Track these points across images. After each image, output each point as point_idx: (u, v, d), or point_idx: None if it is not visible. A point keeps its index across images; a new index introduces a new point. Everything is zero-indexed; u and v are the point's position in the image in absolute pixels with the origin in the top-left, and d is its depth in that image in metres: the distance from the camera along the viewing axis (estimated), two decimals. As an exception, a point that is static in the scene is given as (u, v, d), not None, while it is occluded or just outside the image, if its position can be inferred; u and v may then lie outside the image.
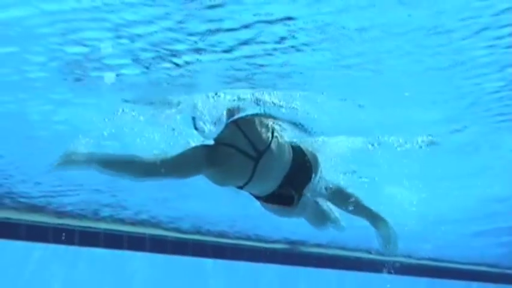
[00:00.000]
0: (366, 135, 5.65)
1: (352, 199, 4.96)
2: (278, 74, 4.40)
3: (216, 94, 4.56)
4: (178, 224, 8.77)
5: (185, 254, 9.24)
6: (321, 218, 5.18)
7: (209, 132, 4.56)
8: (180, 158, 4.40)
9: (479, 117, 5.32)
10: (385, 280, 9.68)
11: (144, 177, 4.38)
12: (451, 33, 3.88)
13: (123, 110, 4.85)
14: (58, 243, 8.05)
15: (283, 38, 3.89)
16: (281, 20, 3.68)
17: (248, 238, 9.74)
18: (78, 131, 5.14)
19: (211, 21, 3.69)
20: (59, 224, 8.06)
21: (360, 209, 4.97)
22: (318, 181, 4.83)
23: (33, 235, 7.93)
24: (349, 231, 5.45)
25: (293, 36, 3.88)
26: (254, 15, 3.64)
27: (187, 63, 4.19)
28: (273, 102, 4.73)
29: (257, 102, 4.69)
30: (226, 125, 4.54)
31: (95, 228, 8.39)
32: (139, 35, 3.85)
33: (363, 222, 5.11)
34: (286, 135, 4.93)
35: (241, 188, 4.57)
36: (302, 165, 4.67)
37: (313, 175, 4.77)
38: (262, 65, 4.25)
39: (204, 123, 4.56)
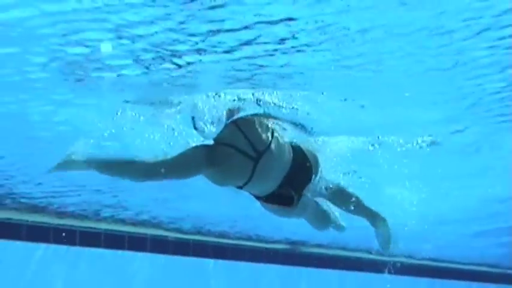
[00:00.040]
0: (367, 136, 5.66)
1: (353, 199, 4.97)
2: (279, 75, 4.40)
3: (216, 94, 4.56)
4: (179, 224, 8.78)
5: (186, 254, 9.24)
6: (321, 219, 5.19)
7: (209, 132, 4.56)
8: (180, 158, 4.40)
9: (480, 117, 5.32)
10: (386, 280, 9.68)
11: (144, 178, 4.39)
12: (452, 34, 3.88)
13: (123, 111, 4.85)
14: (59, 243, 8.06)
15: (284, 39, 3.89)
16: (282, 20, 3.68)
17: (249, 238, 9.74)
18: (78, 131, 5.16)
19: (212, 21, 3.69)
20: (60, 225, 8.07)
21: (360, 209, 4.98)
22: (318, 181, 4.83)
23: (34, 235, 7.93)
24: (350, 232, 5.46)
25: (294, 37, 3.87)
26: (255, 15, 3.64)
27: (188, 63, 4.19)
28: (273, 102, 4.73)
29: (257, 102, 4.69)
30: (226, 125, 4.54)
31: (96, 228, 8.39)
32: (140, 36, 3.85)
33: (363, 223, 5.12)
34: (287, 135, 4.93)
35: (240, 188, 4.58)
36: (302, 166, 4.68)
37: (313, 175, 4.77)
38: (263, 66, 4.25)
39: (204, 123, 4.56)
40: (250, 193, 4.74)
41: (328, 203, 5.11)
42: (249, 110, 4.69)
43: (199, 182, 4.59)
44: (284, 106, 4.80)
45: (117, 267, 8.51)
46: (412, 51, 4.13)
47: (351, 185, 5.22)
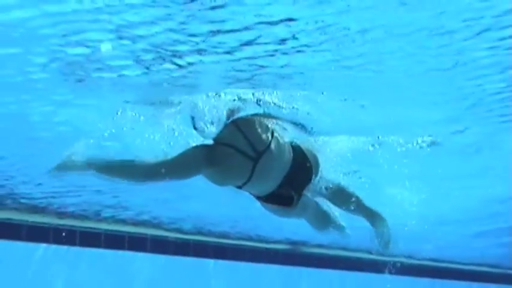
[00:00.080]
0: (367, 136, 5.65)
1: (353, 199, 4.96)
2: (279, 75, 4.40)
3: (216, 94, 4.56)
4: (180, 224, 8.78)
5: (187, 254, 9.23)
6: (322, 220, 5.18)
7: (208, 132, 4.56)
8: (180, 158, 4.40)
9: (481, 118, 5.32)
10: (386, 280, 9.67)
11: (145, 179, 4.37)
12: (453, 34, 3.88)
13: (123, 111, 4.85)
14: (59, 243, 8.06)
15: (284, 39, 3.89)
16: (282, 21, 3.69)
17: (249, 238, 9.74)
18: (79, 132, 5.16)
19: (212, 22, 3.69)
20: (60, 225, 8.07)
21: (360, 209, 4.98)
22: (318, 181, 4.83)
23: (35, 236, 7.93)
24: (351, 232, 5.44)
25: (294, 37, 3.88)
26: (255, 16, 3.64)
27: (188, 64, 4.19)
28: (273, 102, 4.73)
29: (258, 102, 4.69)
30: (226, 125, 4.54)
31: (96, 228, 8.39)
32: (140, 36, 3.86)
33: (364, 223, 5.11)
34: (287, 135, 4.93)
35: (240, 187, 4.58)
36: (302, 166, 4.67)
37: (313, 175, 4.77)
38: (263, 66, 4.25)
39: (204, 123, 4.56)
40: (250, 193, 4.74)
41: (329, 203, 5.11)
42: (249, 110, 4.69)
43: (200, 183, 4.59)
44: (284, 106, 4.80)
45: (117, 267, 8.50)
46: (412, 52, 4.13)
47: (351, 185, 5.21)
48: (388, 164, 6.15)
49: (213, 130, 4.54)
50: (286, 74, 4.40)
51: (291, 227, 8.34)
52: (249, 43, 3.93)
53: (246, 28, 3.76)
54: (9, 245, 7.73)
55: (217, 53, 4.05)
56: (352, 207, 4.96)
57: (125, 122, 4.94)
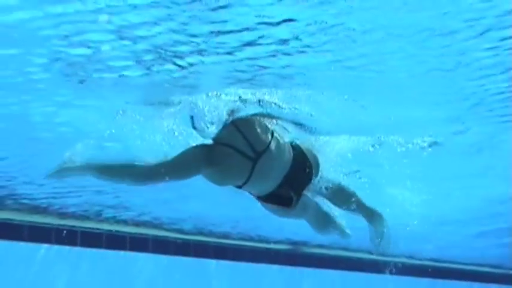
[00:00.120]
0: (368, 136, 5.65)
1: (353, 199, 4.96)
2: (281, 75, 4.40)
3: (217, 94, 4.56)
4: (181, 225, 8.77)
5: (188, 255, 9.24)
6: (322, 221, 5.17)
7: (208, 132, 4.55)
8: (179, 158, 4.39)
9: (483, 118, 5.32)
10: (387, 281, 9.68)
11: (145, 180, 4.36)
12: (455, 35, 3.88)
13: (124, 111, 4.85)
14: (61, 244, 8.06)
15: (286, 40, 3.89)
16: (284, 21, 3.68)
17: (250, 239, 9.74)
18: (80, 132, 5.16)
19: (214, 23, 3.69)
20: (61, 225, 8.07)
21: (360, 208, 4.97)
22: (318, 181, 4.83)
23: (36, 236, 7.93)
24: (352, 232, 5.44)
25: (296, 38, 3.87)
26: (257, 17, 3.64)
27: (190, 64, 4.19)
28: (274, 102, 4.73)
29: (259, 102, 4.69)
30: (225, 125, 4.53)
31: (97, 229, 8.39)
32: (142, 37, 3.85)
33: (365, 224, 5.10)
34: (287, 135, 4.92)
35: (239, 187, 4.57)
36: (302, 166, 4.67)
37: (314, 176, 4.77)
38: (265, 67, 4.25)
39: (203, 122, 4.55)
40: (250, 193, 4.74)
41: (329, 203, 5.10)
42: (250, 110, 4.69)
43: (201, 183, 4.59)
44: (285, 106, 4.80)
45: (119, 267, 8.51)
46: (414, 52, 4.13)
47: (352, 185, 5.21)
48: (389, 164, 6.15)
49: (213, 130, 4.54)
50: (287, 75, 4.40)
51: (291, 227, 8.34)
52: (250, 44, 3.93)
53: (247, 29, 3.76)
54: (11, 246, 7.73)
55: (218, 53, 4.05)
56: (352, 207, 4.96)
57: (126, 122, 4.94)
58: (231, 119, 4.57)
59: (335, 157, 5.53)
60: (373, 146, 5.77)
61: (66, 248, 8.12)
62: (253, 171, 4.42)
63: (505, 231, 9.73)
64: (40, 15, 3.55)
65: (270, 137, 4.52)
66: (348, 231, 5.28)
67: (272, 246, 10.12)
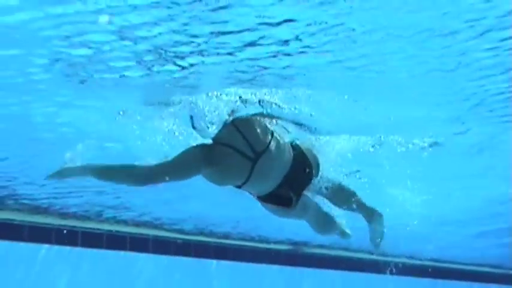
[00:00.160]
0: (369, 136, 5.65)
1: (353, 199, 4.96)
2: (281, 76, 4.40)
3: (217, 95, 4.56)
4: (181, 225, 8.78)
5: (188, 255, 9.24)
6: (323, 222, 5.17)
7: (207, 132, 4.55)
8: (179, 158, 4.38)
9: (483, 118, 5.32)
10: (388, 281, 9.68)
11: (145, 181, 4.34)
12: (455, 35, 3.88)
13: (125, 112, 4.85)
14: (61, 244, 8.06)
15: (287, 40, 3.89)
16: (285, 22, 3.69)
17: (251, 239, 9.74)
18: (81, 133, 5.16)
19: (215, 23, 3.69)
20: (62, 226, 8.07)
21: (360, 207, 4.98)
22: (319, 181, 4.83)
23: (37, 236, 7.94)
24: (352, 232, 5.44)
25: (296, 38, 3.88)
26: (258, 17, 3.65)
27: (190, 65, 4.19)
28: (275, 102, 4.73)
29: (259, 102, 4.69)
30: (225, 125, 4.53)
31: (98, 229, 8.40)
32: (143, 37, 3.86)
33: (365, 223, 5.11)
34: (288, 135, 4.93)
35: (239, 187, 4.58)
36: (302, 166, 4.67)
37: (314, 176, 4.77)
38: (265, 67, 4.25)
39: (203, 122, 4.55)
40: (250, 192, 4.75)
41: (329, 204, 5.11)
42: (250, 110, 4.69)
43: (201, 184, 4.59)
44: (286, 106, 4.80)
45: (119, 268, 8.51)
46: (414, 53, 4.13)
47: (353, 186, 5.21)
48: (389, 164, 6.15)
49: (212, 130, 4.54)
50: (288, 75, 4.40)
51: (292, 228, 8.33)
52: (251, 44, 3.93)
53: (248, 29, 3.76)
54: (12, 246, 7.73)
55: (219, 54, 4.05)
56: (353, 207, 4.96)
57: (126, 123, 4.94)
58: (231, 119, 4.57)
59: (335, 157, 5.53)
60: (373, 146, 5.77)
61: (67, 248, 8.13)
62: (253, 171, 4.42)
63: (505, 231, 9.74)
64: (41, 15, 3.55)
65: (269, 137, 4.51)
66: (348, 231, 5.28)
67: (272, 246, 10.13)
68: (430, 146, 5.81)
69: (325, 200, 5.10)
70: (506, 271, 13.03)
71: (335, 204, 5.07)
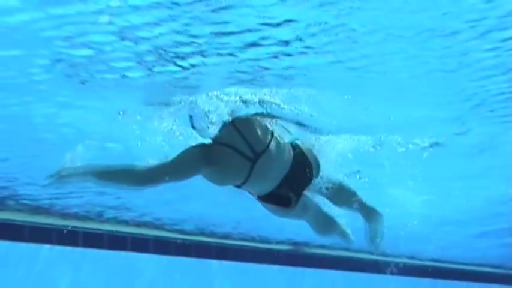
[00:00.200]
0: (370, 136, 5.65)
1: (353, 198, 4.95)
2: (282, 76, 4.41)
3: (218, 95, 4.56)
4: (182, 225, 8.78)
5: (189, 255, 9.24)
6: (323, 223, 5.16)
7: (207, 132, 4.55)
8: (179, 159, 4.38)
9: (484, 118, 5.32)
10: (388, 281, 9.67)
11: (145, 182, 4.32)
12: (456, 35, 3.88)
13: (126, 112, 4.85)
14: (62, 245, 8.07)
15: (287, 41, 3.89)
16: (286, 22, 3.69)
17: (252, 239, 9.74)
18: (82, 133, 5.17)
19: (216, 24, 3.69)
20: (63, 226, 8.07)
21: (360, 207, 4.97)
22: (319, 181, 4.83)
23: (38, 237, 7.94)
24: (353, 233, 5.44)
25: (297, 39, 3.88)
26: (259, 18, 3.65)
27: (192, 65, 4.20)
28: (275, 103, 4.73)
29: (260, 102, 4.69)
30: (225, 125, 4.52)
31: (99, 229, 8.40)
32: (143, 38, 3.86)
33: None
34: (288, 135, 4.92)
35: (239, 187, 4.58)
36: (302, 166, 4.67)
37: (314, 176, 4.77)
38: (266, 68, 4.25)
39: (203, 122, 4.55)
40: (249, 192, 4.75)
41: (330, 204, 5.10)
42: (250, 110, 4.69)
43: (202, 184, 4.59)
44: (287, 106, 4.80)
45: (120, 268, 8.51)
46: (415, 53, 4.13)
47: (353, 186, 5.20)
48: (390, 165, 6.15)
49: (212, 130, 4.53)
50: (288, 75, 4.40)
51: (293, 228, 8.33)
52: (252, 45, 3.93)
53: (249, 30, 3.76)
54: (12, 246, 7.74)
55: (220, 54, 4.05)
56: (353, 207, 4.96)
57: (127, 123, 4.94)
58: (230, 119, 4.57)
59: (336, 157, 5.53)
60: (374, 146, 5.77)
61: (68, 249, 8.13)
62: (252, 171, 4.41)
63: (506, 231, 9.73)
64: (42, 16, 3.56)
65: (269, 137, 4.51)
66: (348, 231, 5.27)
67: (273, 246, 10.13)
68: (431, 146, 5.82)
69: (325, 200, 5.10)
70: (507, 271, 13.02)
71: (335, 204, 5.07)
